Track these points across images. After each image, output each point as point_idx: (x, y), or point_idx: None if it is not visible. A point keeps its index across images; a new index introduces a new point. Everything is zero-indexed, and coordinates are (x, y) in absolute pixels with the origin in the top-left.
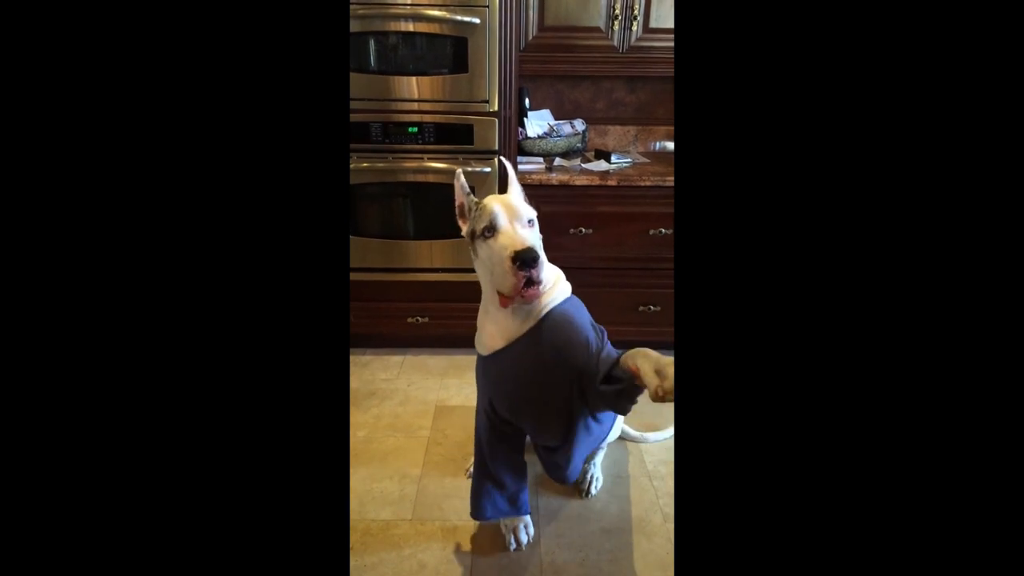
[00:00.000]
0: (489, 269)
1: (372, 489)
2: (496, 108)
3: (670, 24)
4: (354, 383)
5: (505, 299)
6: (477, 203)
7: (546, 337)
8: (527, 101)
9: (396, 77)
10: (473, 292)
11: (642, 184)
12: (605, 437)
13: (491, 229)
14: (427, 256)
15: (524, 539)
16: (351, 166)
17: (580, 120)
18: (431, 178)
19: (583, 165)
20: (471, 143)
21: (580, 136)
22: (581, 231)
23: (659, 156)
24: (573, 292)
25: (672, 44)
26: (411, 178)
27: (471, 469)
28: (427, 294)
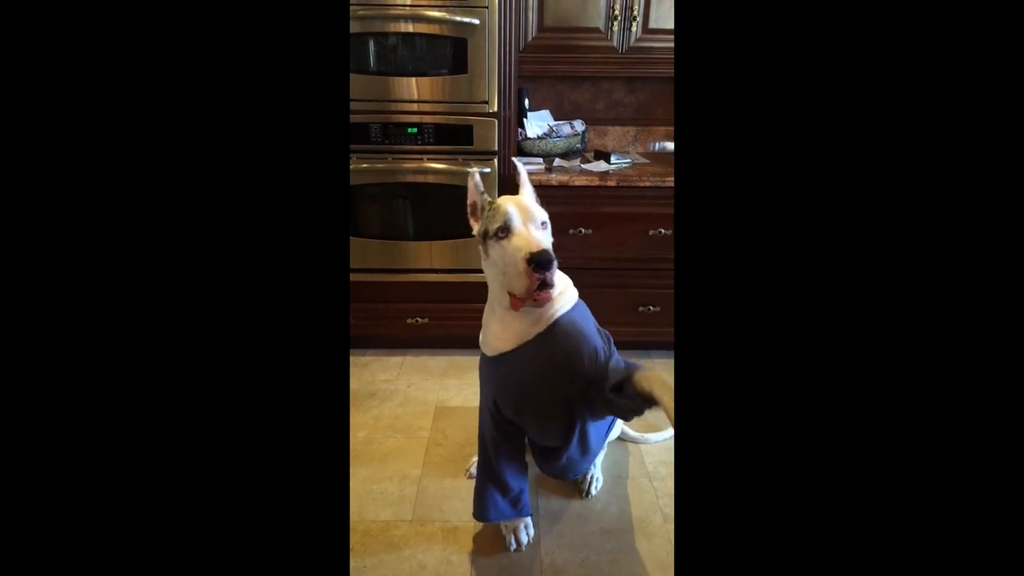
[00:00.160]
0: (501, 270)
1: (372, 490)
2: (496, 109)
3: (669, 25)
4: (354, 384)
5: (517, 301)
6: (491, 203)
7: (556, 344)
8: (527, 102)
9: (396, 78)
10: (473, 293)
11: (641, 185)
12: (604, 438)
13: (505, 230)
14: (427, 257)
15: (524, 539)
16: (351, 167)
17: (580, 121)
18: (431, 179)
19: (583, 166)
20: (471, 144)
21: (580, 137)
22: (581, 231)
23: (658, 157)
24: None
25: (671, 45)
26: (411, 179)
27: (472, 469)
28: (427, 295)
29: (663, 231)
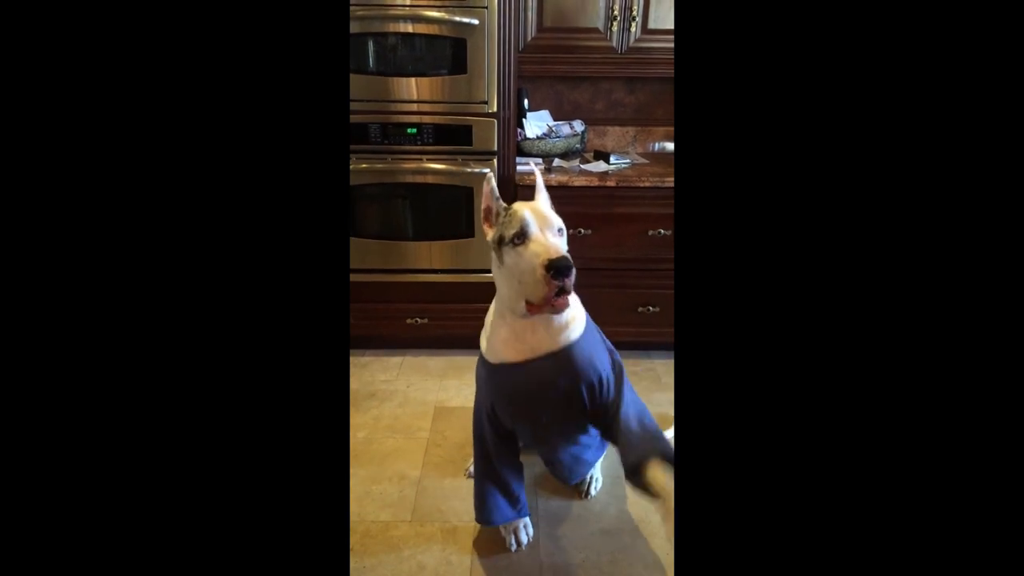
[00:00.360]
0: (517, 277)
1: (371, 490)
2: (495, 109)
3: (668, 25)
4: (353, 384)
5: (534, 307)
6: (506, 209)
7: (563, 368)
8: (526, 102)
9: (395, 78)
10: (472, 293)
11: (641, 185)
12: (601, 451)
13: (521, 236)
14: (426, 257)
15: (524, 539)
16: (350, 167)
17: (579, 121)
18: (430, 179)
19: (582, 166)
20: (470, 144)
21: (579, 137)
22: (580, 232)
23: (658, 157)
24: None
25: (670, 45)
26: (410, 179)
27: (471, 469)
28: (426, 295)
29: (662, 231)
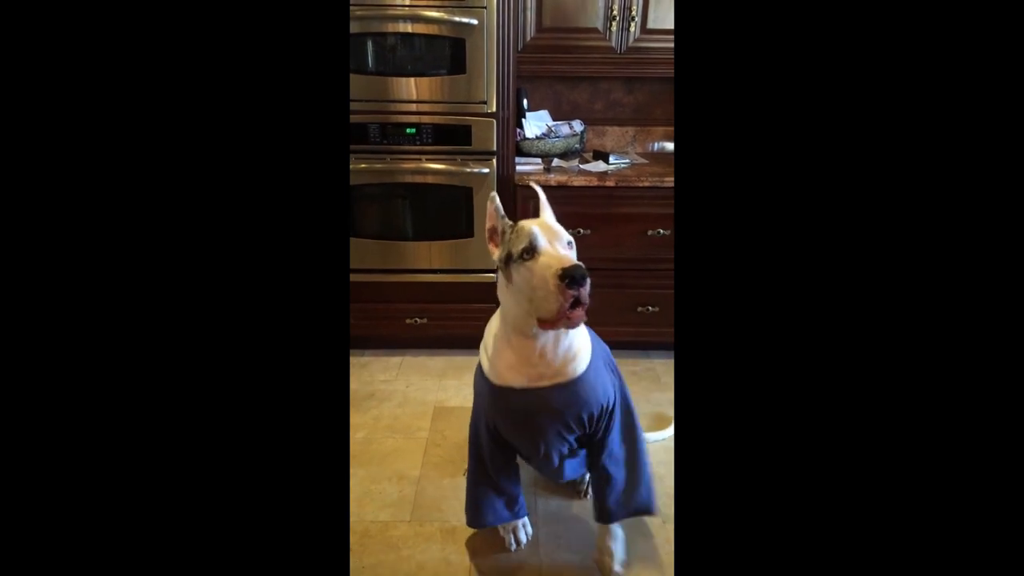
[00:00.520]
0: (527, 295)
1: (371, 490)
2: (494, 109)
3: (667, 25)
4: (353, 384)
5: (547, 324)
6: (512, 226)
7: (569, 400)
8: (525, 102)
9: (394, 78)
10: (471, 293)
11: (640, 185)
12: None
13: (531, 251)
14: (425, 257)
15: (524, 538)
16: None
17: (578, 121)
18: (429, 179)
19: (581, 166)
20: (469, 144)
21: (578, 137)
22: (579, 232)
23: (657, 157)
24: None
25: (669, 45)
26: (409, 179)
27: None
28: (425, 295)
29: (662, 231)
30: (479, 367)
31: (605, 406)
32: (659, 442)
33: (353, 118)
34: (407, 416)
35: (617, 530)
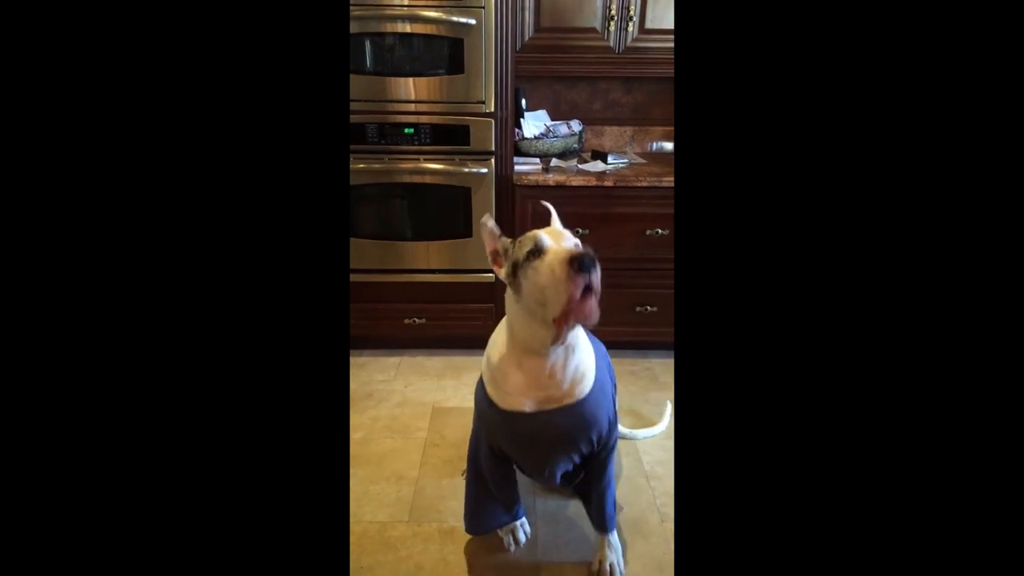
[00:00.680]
0: (536, 297)
1: (369, 491)
2: (492, 109)
3: (666, 25)
4: (351, 384)
5: (559, 321)
6: (513, 241)
7: (573, 422)
8: (523, 102)
9: (392, 78)
10: (470, 293)
11: (639, 185)
12: None
13: (537, 251)
14: (424, 257)
15: (523, 538)
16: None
17: (577, 121)
18: (428, 179)
19: (580, 166)
20: (467, 144)
21: (577, 137)
22: (578, 232)
23: (656, 157)
24: None
25: (668, 45)
26: (407, 179)
27: None
28: (424, 295)
29: (660, 231)
30: (481, 384)
31: (612, 420)
32: (649, 438)
33: (351, 118)
34: (405, 416)
35: (615, 539)
